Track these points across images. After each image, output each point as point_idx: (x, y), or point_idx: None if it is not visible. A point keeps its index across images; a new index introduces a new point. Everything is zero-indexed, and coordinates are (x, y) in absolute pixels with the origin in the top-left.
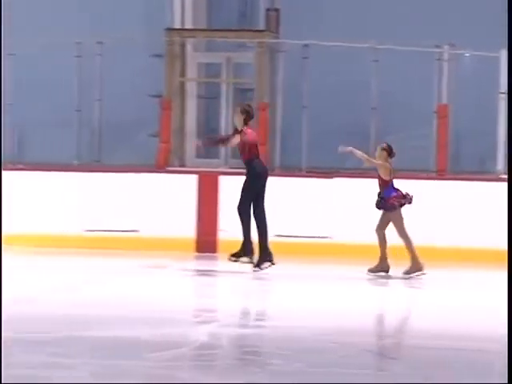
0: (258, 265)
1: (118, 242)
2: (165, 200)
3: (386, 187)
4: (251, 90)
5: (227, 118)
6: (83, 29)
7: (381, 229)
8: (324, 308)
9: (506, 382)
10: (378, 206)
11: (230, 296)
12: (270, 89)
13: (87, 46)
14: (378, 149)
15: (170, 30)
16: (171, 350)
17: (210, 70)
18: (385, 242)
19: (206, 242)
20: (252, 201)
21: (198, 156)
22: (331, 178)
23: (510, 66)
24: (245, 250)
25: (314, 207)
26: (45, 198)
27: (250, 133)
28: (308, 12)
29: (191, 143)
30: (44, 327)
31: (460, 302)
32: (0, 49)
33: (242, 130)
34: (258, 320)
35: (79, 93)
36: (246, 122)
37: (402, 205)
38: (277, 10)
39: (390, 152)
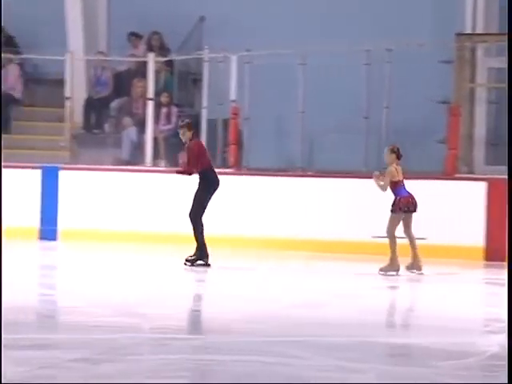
0: (192, 261)
1: (404, 249)
2: (453, 207)
3: (396, 188)
4: None
5: None
6: (373, 36)
7: (408, 230)
8: None
9: (506, 382)
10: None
11: None
12: None
13: (376, 53)
14: (388, 151)
15: (461, 35)
16: (460, 359)
17: (502, 75)
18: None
19: (495, 250)
20: (204, 209)
21: (488, 163)
22: None
23: (510, 65)
24: (201, 254)
25: None
26: (331, 204)
27: (194, 144)
28: None
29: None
30: (333, 331)
31: None
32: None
33: (186, 145)
34: None
35: (368, 100)
36: (191, 135)
37: (406, 210)
38: None
39: (398, 154)
